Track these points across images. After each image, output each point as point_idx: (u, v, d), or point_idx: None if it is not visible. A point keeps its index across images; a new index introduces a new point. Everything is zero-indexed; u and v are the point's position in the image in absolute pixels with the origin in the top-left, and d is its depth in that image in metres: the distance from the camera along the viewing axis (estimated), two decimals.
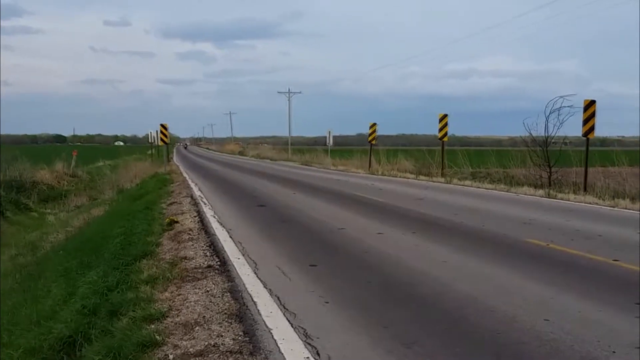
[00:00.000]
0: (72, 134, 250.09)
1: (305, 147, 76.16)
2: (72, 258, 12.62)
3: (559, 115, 23.46)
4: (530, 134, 25.06)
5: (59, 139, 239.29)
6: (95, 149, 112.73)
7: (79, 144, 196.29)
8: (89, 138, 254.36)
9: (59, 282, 10.71)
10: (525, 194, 21.00)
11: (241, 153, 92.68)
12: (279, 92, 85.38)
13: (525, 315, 6.51)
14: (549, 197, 19.77)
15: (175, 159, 68.14)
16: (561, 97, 23.30)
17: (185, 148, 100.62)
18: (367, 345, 5.67)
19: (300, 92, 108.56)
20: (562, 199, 19.37)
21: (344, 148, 64.46)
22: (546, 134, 24.26)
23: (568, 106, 23.07)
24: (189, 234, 12.04)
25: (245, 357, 5.35)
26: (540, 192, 21.21)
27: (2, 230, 25.74)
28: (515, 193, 21.46)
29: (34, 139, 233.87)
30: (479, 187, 24.24)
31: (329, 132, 46.07)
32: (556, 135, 24.29)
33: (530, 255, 9.93)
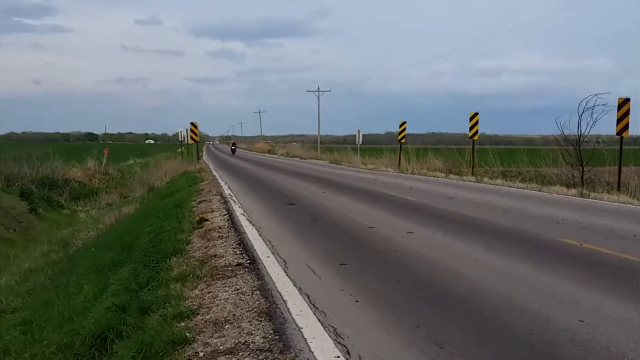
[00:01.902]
0: (103, 132, 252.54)
1: (335, 146, 76.21)
2: (104, 255, 12.70)
3: (592, 113, 23.18)
4: (563, 132, 24.79)
5: (91, 137, 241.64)
6: (126, 147, 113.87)
7: (110, 142, 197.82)
8: (120, 136, 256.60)
9: (91, 279, 10.78)
10: (557, 193, 20.75)
11: (270, 151, 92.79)
12: (308, 91, 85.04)
13: (558, 315, 6.41)
14: (582, 197, 19.51)
15: (204, 157, 68.50)
16: (595, 95, 23.01)
17: (234, 152, 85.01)
18: (398, 344, 5.61)
19: (329, 91, 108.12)
20: (595, 198, 19.10)
21: (373, 146, 64.25)
22: (579, 133, 23.97)
23: (601, 104, 22.78)
24: (219, 231, 12.06)
25: (275, 355, 5.33)
26: (573, 191, 20.94)
27: (35, 227, 26.07)
28: (547, 192, 21.22)
29: (66, 137, 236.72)
30: (510, 186, 24.01)
31: (359, 130, 45.96)
32: (589, 133, 24.00)
33: (564, 255, 9.79)
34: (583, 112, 23.43)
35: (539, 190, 21.89)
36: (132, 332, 6.69)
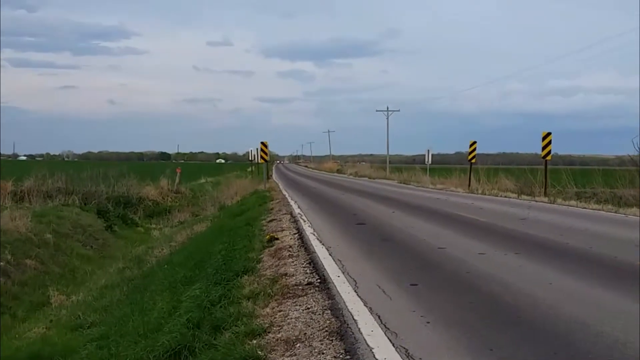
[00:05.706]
0: (176, 151, 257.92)
1: (403, 166, 75.86)
2: (176, 272, 12.95)
3: None
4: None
5: (164, 156, 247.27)
6: (197, 166, 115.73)
7: (182, 161, 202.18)
8: (192, 155, 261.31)
9: (164, 296, 11.01)
10: (635, 215, 20.10)
11: (339, 171, 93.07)
12: (377, 111, 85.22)
13: (638, 341, 6.20)
14: None
15: (274, 176, 69.14)
16: None
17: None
18: None
19: (398, 110, 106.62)
20: None
21: (443, 166, 63.79)
22: None
23: None
24: (289, 250, 12.14)
25: None
26: None
27: (110, 244, 26.79)
28: (624, 214, 20.59)
29: (140, 156, 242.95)
30: (584, 208, 23.39)
31: (428, 150, 45.77)
32: None
33: None
34: None
35: (615, 212, 21.26)
36: (205, 349, 6.80)
